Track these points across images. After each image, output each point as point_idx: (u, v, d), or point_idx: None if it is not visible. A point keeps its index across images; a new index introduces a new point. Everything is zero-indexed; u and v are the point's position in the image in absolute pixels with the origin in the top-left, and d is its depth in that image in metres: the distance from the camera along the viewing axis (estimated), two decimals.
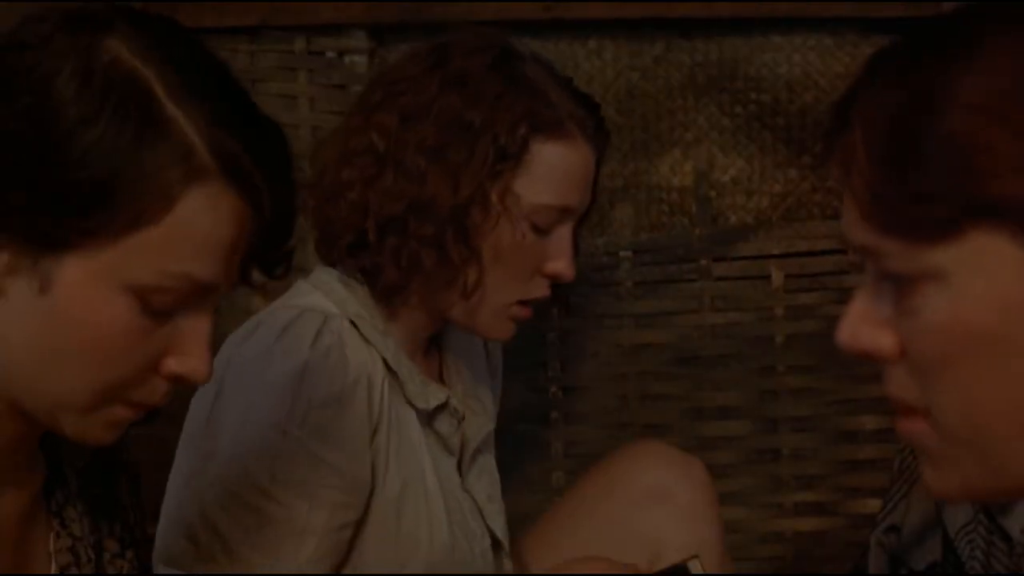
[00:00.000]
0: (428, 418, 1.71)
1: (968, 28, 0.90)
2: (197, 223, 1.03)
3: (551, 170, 1.66)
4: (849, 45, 2.11)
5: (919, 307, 0.90)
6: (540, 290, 1.70)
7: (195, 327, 1.06)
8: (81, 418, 1.07)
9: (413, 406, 1.68)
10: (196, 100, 1.03)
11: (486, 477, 1.80)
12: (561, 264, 1.69)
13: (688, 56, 2.12)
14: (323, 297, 1.67)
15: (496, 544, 1.79)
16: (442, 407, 1.71)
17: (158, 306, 1.04)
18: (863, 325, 0.93)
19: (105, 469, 1.23)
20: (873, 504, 2.11)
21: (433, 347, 1.79)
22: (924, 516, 1.90)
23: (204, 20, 2.06)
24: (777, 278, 2.17)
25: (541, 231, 1.67)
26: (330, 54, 2.12)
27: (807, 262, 2.17)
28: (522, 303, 1.70)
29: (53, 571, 1.14)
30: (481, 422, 1.79)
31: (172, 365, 1.07)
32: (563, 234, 1.69)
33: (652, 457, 1.86)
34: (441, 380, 1.79)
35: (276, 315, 1.64)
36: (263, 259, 1.08)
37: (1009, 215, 0.86)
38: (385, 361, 1.66)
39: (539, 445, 2.12)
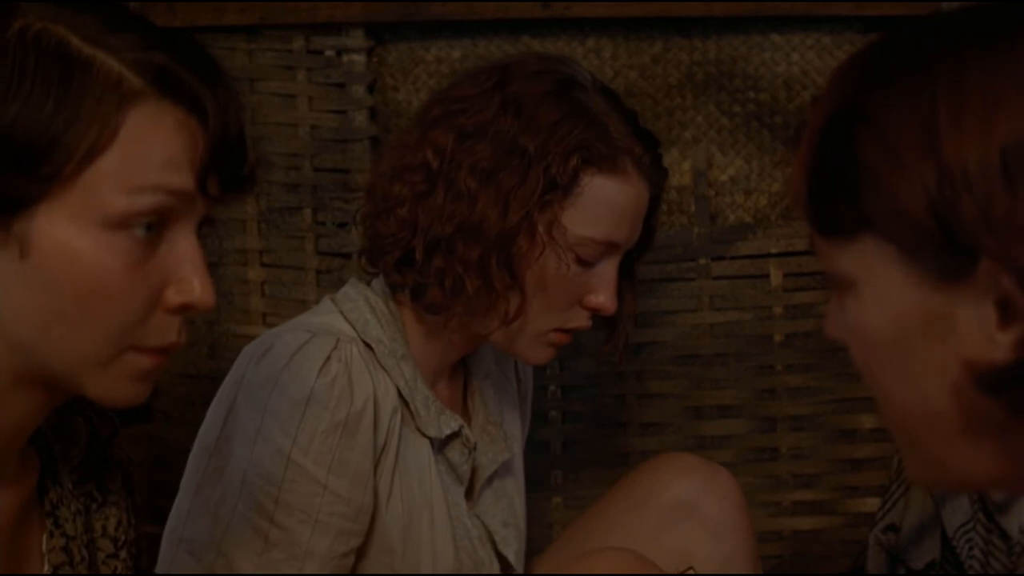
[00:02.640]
0: (440, 446, 1.70)
1: (913, 52, 0.94)
2: (147, 140, 1.04)
3: (600, 204, 1.65)
4: (847, 44, 2.10)
5: (847, 311, 0.96)
6: (580, 320, 1.70)
7: (185, 252, 1.07)
8: (102, 374, 1.07)
9: (425, 435, 1.68)
10: (115, 35, 1.05)
11: (503, 503, 1.79)
12: (602, 298, 1.68)
13: (686, 55, 2.12)
14: (342, 318, 1.67)
15: (508, 569, 1.78)
16: (454, 435, 1.71)
17: (139, 232, 1.05)
18: (832, 318, 1.00)
19: (100, 468, 1.23)
20: (872, 503, 2.11)
21: (460, 370, 1.78)
22: (922, 515, 1.90)
23: (202, 19, 2.07)
24: (776, 277, 2.17)
25: (585, 263, 1.66)
26: (329, 53, 2.12)
27: (806, 261, 2.16)
28: (561, 331, 1.70)
29: (46, 570, 1.14)
30: (497, 449, 1.78)
31: (173, 296, 1.07)
32: (607, 268, 1.68)
33: (677, 470, 1.85)
34: (464, 404, 1.78)
35: (288, 337, 1.63)
36: (222, 172, 1.08)
37: (887, 231, 0.92)
38: (398, 388, 1.65)
39: (537, 444, 2.12)
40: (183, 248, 1.07)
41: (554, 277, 1.65)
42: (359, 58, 2.11)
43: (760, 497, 2.17)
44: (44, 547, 1.15)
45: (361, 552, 1.65)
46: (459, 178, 1.62)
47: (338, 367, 1.59)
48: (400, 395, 1.65)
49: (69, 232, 1.03)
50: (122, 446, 1.25)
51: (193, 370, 2.14)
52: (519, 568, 1.80)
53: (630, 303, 1.79)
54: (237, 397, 1.61)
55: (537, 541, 2.00)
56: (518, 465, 1.86)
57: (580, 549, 1.77)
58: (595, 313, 1.70)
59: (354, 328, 1.66)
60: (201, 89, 1.06)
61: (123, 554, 1.22)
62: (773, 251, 2.17)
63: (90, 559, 1.18)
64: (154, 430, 2.15)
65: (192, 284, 1.07)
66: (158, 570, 1.60)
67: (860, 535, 2.11)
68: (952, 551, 1.84)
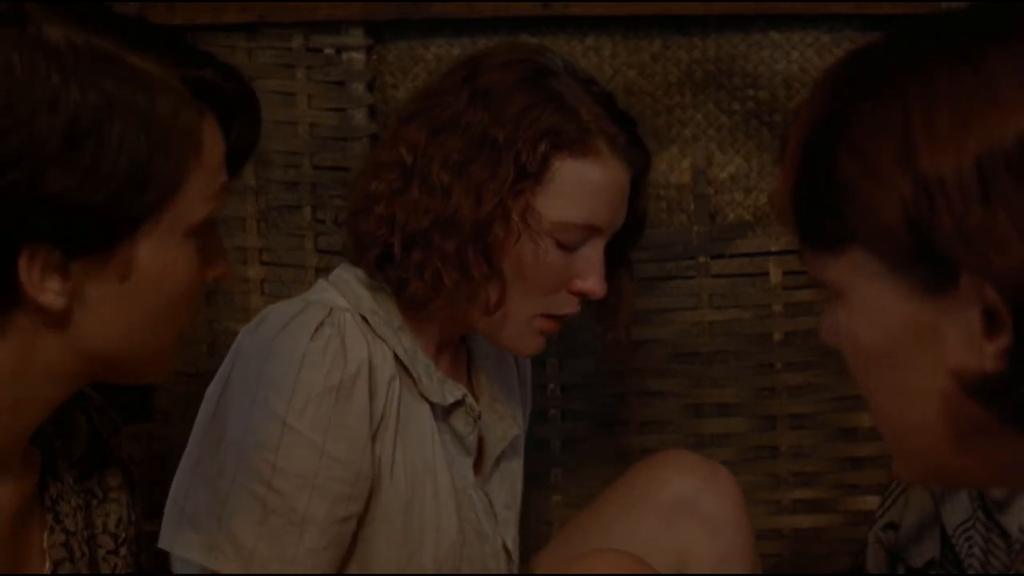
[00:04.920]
0: (444, 414, 1.71)
1: (894, 63, 0.94)
2: (212, 150, 1.10)
3: (573, 187, 1.65)
4: (847, 42, 2.10)
5: (839, 321, 0.97)
6: (567, 306, 1.69)
7: (214, 239, 1.14)
8: (164, 360, 1.15)
9: (428, 400, 1.68)
10: (155, 51, 1.07)
11: (507, 485, 1.80)
12: (589, 282, 1.68)
13: (686, 53, 2.12)
14: (337, 293, 1.68)
15: (506, 553, 1.78)
16: (458, 404, 1.71)
17: (199, 233, 1.11)
18: (827, 324, 1.00)
19: (101, 464, 1.23)
20: (872, 501, 2.11)
21: (462, 350, 1.79)
22: (922, 513, 1.90)
23: (201, 17, 2.07)
24: (775, 275, 2.17)
25: (567, 248, 1.66)
26: (328, 51, 2.12)
27: None
28: (548, 317, 1.69)
29: (47, 566, 1.15)
30: (505, 426, 1.78)
31: (209, 274, 1.15)
32: (591, 251, 1.67)
33: (676, 467, 1.85)
34: (469, 382, 1.79)
35: (283, 309, 1.66)
36: (232, 159, 1.13)
37: (870, 245, 0.91)
38: (397, 356, 1.66)
39: (537, 442, 2.12)
40: (210, 236, 1.13)
41: (532, 263, 1.65)
42: (358, 56, 2.11)
43: (760, 495, 2.17)
44: (45, 543, 1.16)
45: (365, 521, 1.65)
46: (432, 172, 1.63)
47: (331, 331, 1.60)
48: (399, 362, 1.66)
49: (164, 247, 1.08)
50: (123, 444, 1.26)
51: (192, 368, 2.14)
52: (515, 553, 1.80)
53: (627, 289, 1.79)
54: (233, 369, 1.62)
55: (536, 539, 2.00)
56: (522, 447, 1.86)
57: (578, 547, 1.77)
58: (584, 298, 1.70)
59: (348, 302, 1.67)
60: (232, 97, 1.10)
61: (123, 551, 1.22)
62: (773, 249, 2.17)
63: (91, 555, 1.19)
64: (154, 428, 2.15)
65: (223, 262, 1.15)
66: (160, 543, 1.60)
67: (860, 533, 2.11)
68: (952, 549, 1.84)
